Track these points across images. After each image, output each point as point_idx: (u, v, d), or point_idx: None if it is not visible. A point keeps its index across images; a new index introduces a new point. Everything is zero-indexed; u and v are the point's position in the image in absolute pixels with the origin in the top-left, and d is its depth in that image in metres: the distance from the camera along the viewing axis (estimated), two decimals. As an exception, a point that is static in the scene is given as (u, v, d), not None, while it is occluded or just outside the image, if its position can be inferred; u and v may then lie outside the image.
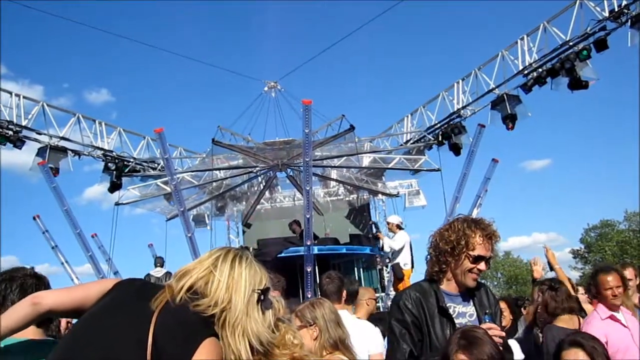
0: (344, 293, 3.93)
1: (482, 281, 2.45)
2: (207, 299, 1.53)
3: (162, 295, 1.52)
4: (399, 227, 9.62)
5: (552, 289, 4.08)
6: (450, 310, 2.35)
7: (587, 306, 5.16)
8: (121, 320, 1.47)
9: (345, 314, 3.48)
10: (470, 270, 2.34)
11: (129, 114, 68.74)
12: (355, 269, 11.20)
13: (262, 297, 1.62)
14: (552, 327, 3.88)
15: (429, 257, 2.50)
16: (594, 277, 3.88)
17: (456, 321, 2.33)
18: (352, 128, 11.25)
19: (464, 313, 2.39)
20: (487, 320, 2.22)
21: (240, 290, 1.58)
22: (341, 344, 2.44)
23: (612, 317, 3.67)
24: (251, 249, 11.11)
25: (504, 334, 2.24)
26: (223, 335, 1.52)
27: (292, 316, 2.26)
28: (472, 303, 2.43)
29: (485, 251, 2.35)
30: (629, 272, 3.82)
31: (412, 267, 9.35)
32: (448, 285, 2.42)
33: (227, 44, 79.73)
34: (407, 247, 9.41)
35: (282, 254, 10.01)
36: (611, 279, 3.71)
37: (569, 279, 5.20)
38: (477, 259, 2.34)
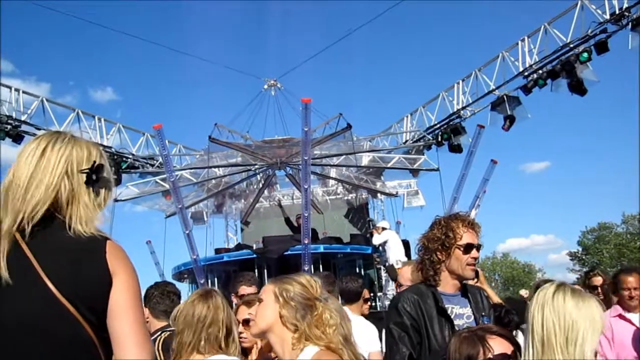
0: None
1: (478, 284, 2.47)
2: None
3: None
4: (384, 229, 10.25)
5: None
6: (449, 311, 2.34)
7: None
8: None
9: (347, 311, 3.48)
10: (466, 262, 2.37)
11: (133, 112, 68.56)
12: (357, 268, 11.18)
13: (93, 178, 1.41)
14: None
15: (420, 263, 2.50)
16: (616, 276, 3.93)
17: (454, 322, 2.33)
18: (349, 127, 11.24)
19: (461, 314, 2.39)
20: (487, 322, 2.22)
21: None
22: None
23: (620, 316, 3.72)
24: (254, 246, 11.04)
25: None
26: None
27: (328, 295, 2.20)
28: (469, 305, 2.43)
29: (472, 238, 2.39)
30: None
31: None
32: (445, 286, 2.42)
33: (228, 42, 79.55)
34: (395, 244, 9.55)
35: (288, 252, 9.97)
36: (631, 280, 3.73)
37: None
38: (467, 248, 2.36)
